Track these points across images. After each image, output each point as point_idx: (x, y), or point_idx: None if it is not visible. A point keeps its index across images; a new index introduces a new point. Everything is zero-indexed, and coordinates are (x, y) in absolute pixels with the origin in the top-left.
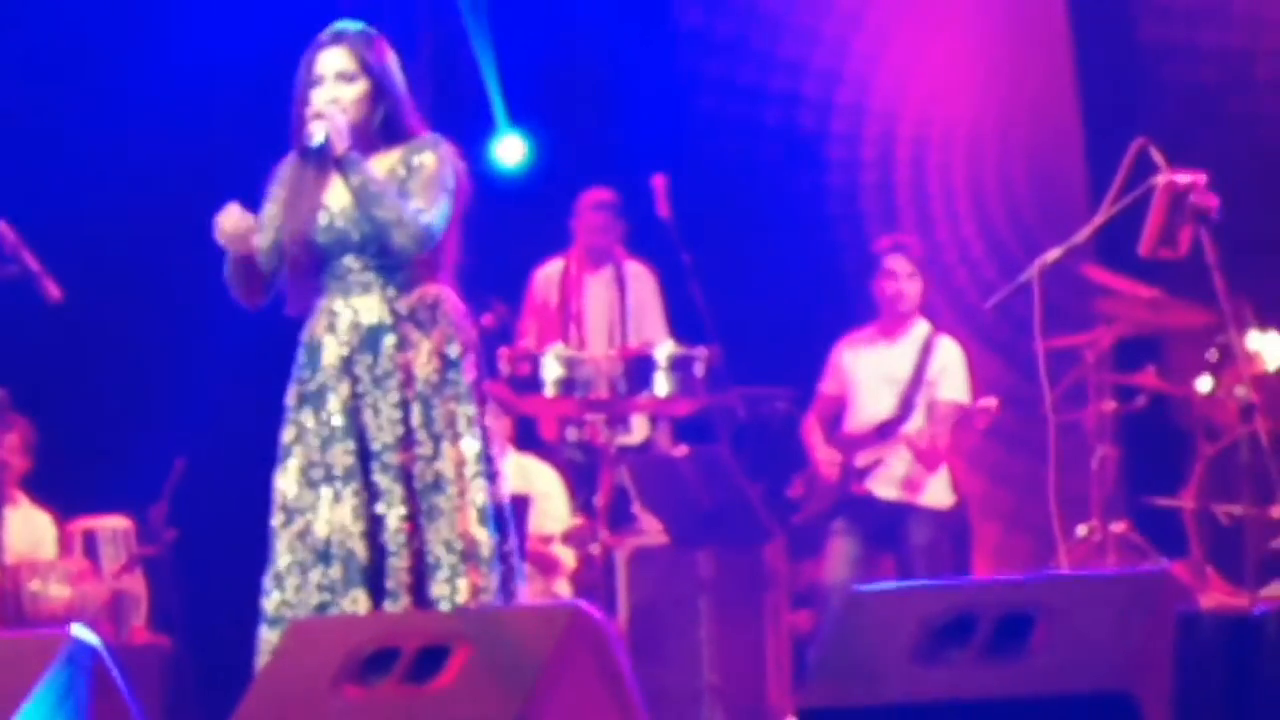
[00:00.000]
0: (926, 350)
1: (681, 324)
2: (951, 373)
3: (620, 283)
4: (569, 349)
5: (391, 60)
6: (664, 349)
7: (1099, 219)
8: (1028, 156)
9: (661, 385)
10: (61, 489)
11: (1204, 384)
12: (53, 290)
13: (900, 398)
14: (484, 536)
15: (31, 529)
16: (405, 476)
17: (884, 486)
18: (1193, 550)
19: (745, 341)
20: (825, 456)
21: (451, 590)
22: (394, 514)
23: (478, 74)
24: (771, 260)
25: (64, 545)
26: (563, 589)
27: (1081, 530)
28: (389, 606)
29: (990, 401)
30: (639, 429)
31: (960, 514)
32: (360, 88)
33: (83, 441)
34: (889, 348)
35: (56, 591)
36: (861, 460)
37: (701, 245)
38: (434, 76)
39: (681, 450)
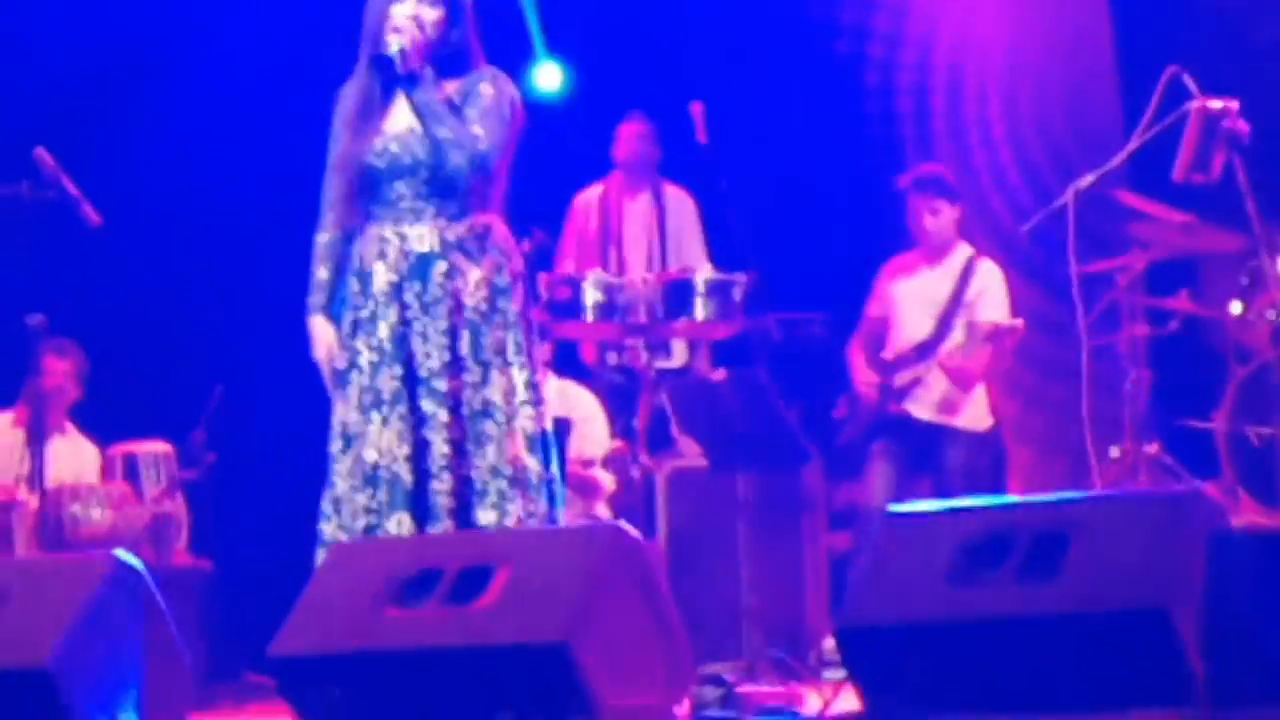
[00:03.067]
0: (967, 273)
1: (719, 249)
2: (990, 294)
3: (659, 208)
4: (608, 274)
5: None
6: (702, 274)
7: (1132, 145)
8: (1063, 83)
9: (700, 310)
10: (102, 414)
11: (1235, 307)
12: (92, 215)
13: (938, 319)
14: (533, 463)
15: (78, 458)
16: (453, 403)
17: (921, 408)
18: (1224, 471)
19: (782, 266)
20: (866, 378)
21: (500, 515)
22: (438, 439)
23: (515, 1)
24: (809, 186)
25: (105, 470)
26: (602, 511)
27: (1114, 452)
28: (431, 530)
29: (1016, 321)
30: (678, 353)
31: (996, 437)
32: (440, 11)
33: (123, 367)
34: (931, 271)
35: (97, 516)
36: (900, 380)
37: (739, 171)
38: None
39: (720, 374)
